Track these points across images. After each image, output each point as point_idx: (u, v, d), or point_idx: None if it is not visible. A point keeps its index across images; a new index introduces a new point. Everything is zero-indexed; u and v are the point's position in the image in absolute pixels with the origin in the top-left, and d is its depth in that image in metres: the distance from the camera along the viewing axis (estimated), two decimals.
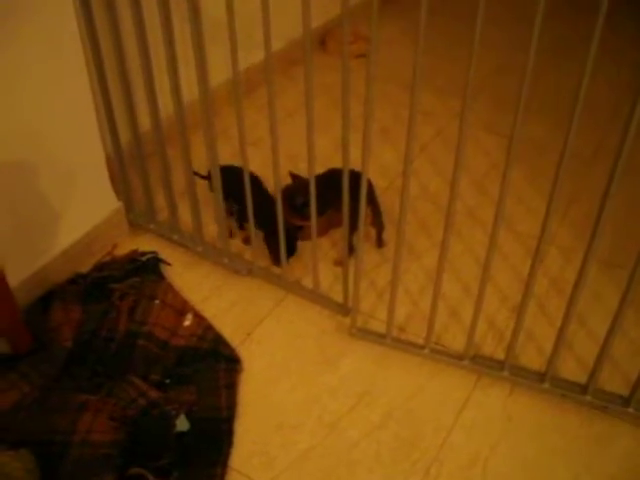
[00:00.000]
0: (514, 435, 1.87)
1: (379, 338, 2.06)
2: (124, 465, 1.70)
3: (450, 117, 2.99)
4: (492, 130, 2.90)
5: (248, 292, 2.24)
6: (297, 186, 2.18)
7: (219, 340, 2.04)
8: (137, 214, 2.44)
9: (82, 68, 2.06)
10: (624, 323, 2.05)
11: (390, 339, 2.05)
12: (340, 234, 2.04)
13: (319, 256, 2.22)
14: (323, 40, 3.56)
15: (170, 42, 1.93)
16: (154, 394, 1.84)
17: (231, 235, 2.35)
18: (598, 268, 2.31)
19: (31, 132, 1.98)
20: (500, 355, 2.00)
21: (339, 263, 2.28)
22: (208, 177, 2.28)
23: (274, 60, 1.95)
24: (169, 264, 2.29)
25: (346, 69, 1.66)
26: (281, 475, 1.76)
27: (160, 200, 2.38)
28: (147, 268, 2.23)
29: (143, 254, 2.28)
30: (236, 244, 2.34)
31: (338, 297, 2.18)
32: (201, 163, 2.11)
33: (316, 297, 2.18)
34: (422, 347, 2.03)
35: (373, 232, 2.39)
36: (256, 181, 2.27)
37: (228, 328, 2.10)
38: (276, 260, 2.24)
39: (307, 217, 2.03)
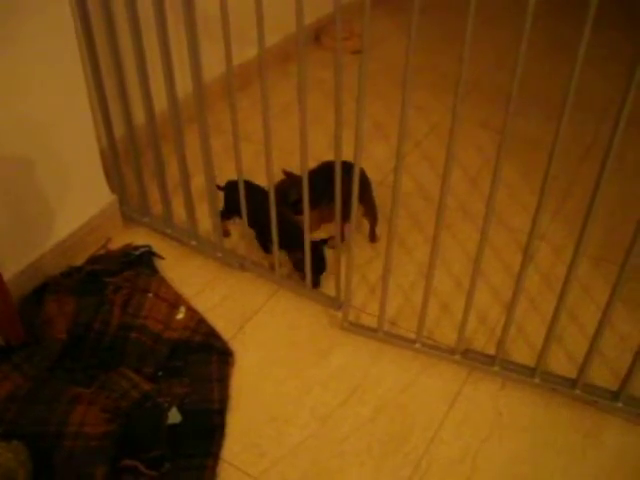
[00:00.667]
0: (504, 429, 1.88)
1: (371, 332, 2.07)
2: (116, 457, 1.71)
3: (445, 113, 2.99)
4: (487, 126, 2.91)
5: (241, 286, 2.25)
6: (291, 182, 2.19)
7: (211, 333, 2.05)
8: (131, 208, 2.44)
9: (77, 63, 2.07)
10: (615, 319, 2.08)
11: (382, 333, 2.06)
12: (333, 228, 2.05)
13: None
14: (318, 36, 3.57)
15: (164, 37, 1.94)
16: (146, 386, 1.85)
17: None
18: (589, 264, 2.33)
19: (26, 126, 1.98)
20: (491, 350, 2.01)
21: (331, 246, 2.30)
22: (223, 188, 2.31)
23: (269, 55, 1.96)
24: (162, 258, 2.30)
25: (339, 65, 1.67)
26: (273, 467, 1.77)
27: (154, 194, 2.38)
28: (141, 262, 2.24)
29: (137, 248, 2.29)
30: (228, 239, 2.34)
31: (330, 291, 2.19)
32: (197, 159, 2.11)
33: (308, 291, 2.19)
34: (413, 341, 2.04)
35: (366, 225, 2.41)
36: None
37: (221, 321, 2.11)
38: (314, 283, 2.21)
39: (301, 212, 2.04)
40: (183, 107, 2.11)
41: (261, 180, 2.15)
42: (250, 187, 2.15)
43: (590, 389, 1.93)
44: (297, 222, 2.14)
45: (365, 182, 2.31)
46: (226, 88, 1.91)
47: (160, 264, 2.29)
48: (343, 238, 2.07)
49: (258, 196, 2.14)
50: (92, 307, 2.07)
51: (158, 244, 2.34)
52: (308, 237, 2.04)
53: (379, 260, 2.02)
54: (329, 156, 1.90)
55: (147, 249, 2.29)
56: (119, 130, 2.31)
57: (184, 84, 2.03)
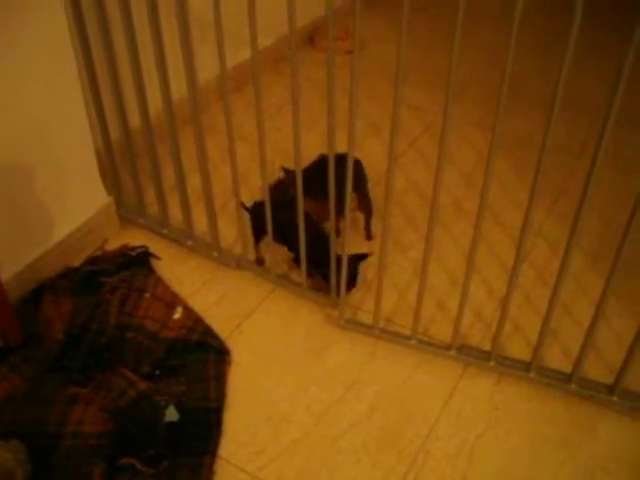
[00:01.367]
0: (500, 424, 1.89)
1: (367, 329, 2.08)
2: (114, 455, 1.72)
3: (440, 112, 2.94)
4: (481, 124, 2.92)
5: (237, 285, 2.26)
6: (289, 179, 2.20)
7: (208, 332, 2.06)
8: (127, 209, 2.45)
9: (73, 66, 2.08)
10: (610, 314, 2.08)
11: (377, 330, 2.07)
12: (329, 226, 2.06)
13: None
14: (312, 37, 3.59)
15: (158, 40, 1.95)
16: (144, 385, 1.86)
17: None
18: (585, 260, 2.34)
19: (22, 129, 1.99)
20: (487, 346, 2.02)
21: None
22: (249, 209, 2.30)
23: (263, 57, 1.97)
24: (159, 258, 2.31)
25: (330, 65, 1.68)
26: (270, 464, 1.78)
27: (150, 195, 2.39)
28: (137, 262, 2.25)
29: (133, 248, 2.30)
30: (224, 239, 2.35)
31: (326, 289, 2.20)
32: (193, 160, 2.12)
33: (304, 290, 2.20)
34: (409, 338, 2.05)
35: (362, 223, 2.42)
36: (307, 217, 2.12)
37: (217, 320, 2.12)
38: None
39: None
40: (179, 108, 2.12)
41: (257, 180, 2.16)
42: (277, 204, 2.14)
43: (585, 383, 1.94)
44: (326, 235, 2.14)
45: (361, 173, 2.33)
46: (221, 89, 1.92)
47: (157, 264, 2.30)
48: (338, 234, 2.08)
49: (287, 212, 2.11)
50: (89, 307, 2.08)
51: (154, 245, 2.35)
52: (334, 246, 2.04)
53: (375, 258, 2.03)
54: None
55: (144, 249, 2.30)
56: (115, 133, 2.31)
57: (179, 86, 2.03)
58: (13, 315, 1.96)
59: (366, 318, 2.13)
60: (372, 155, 2.50)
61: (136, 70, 2.07)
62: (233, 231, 2.31)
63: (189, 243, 2.34)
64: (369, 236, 2.42)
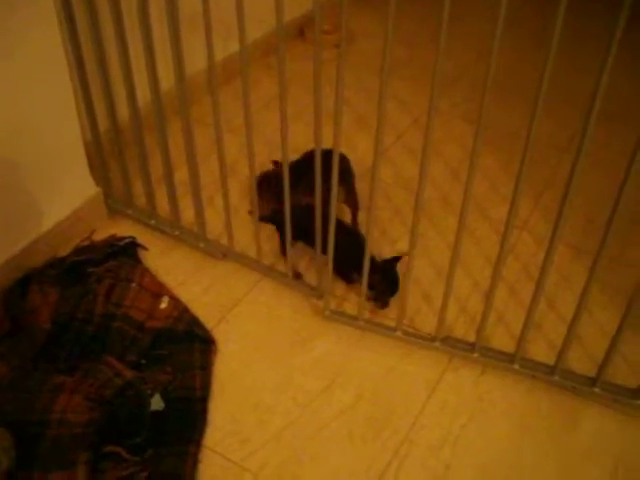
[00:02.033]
0: (484, 415, 1.91)
1: (352, 320, 2.09)
2: (100, 443, 1.73)
3: (427, 106, 3.01)
4: (470, 119, 2.93)
5: (224, 276, 2.27)
6: (278, 172, 2.21)
7: (194, 322, 2.07)
8: (115, 200, 2.45)
9: (61, 57, 2.08)
10: (593, 308, 2.10)
11: (362, 321, 2.08)
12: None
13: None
14: (302, 30, 3.59)
15: (147, 31, 1.95)
16: (129, 374, 1.87)
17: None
18: (570, 254, 2.36)
19: (10, 120, 1.99)
20: (472, 338, 2.03)
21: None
22: (270, 219, 2.30)
23: (253, 49, 1.97)
24: (146, 249, 2.31)
25: (317, 59, 1.68)
26: (254, 454, 1.79)
27: (138, 186, 2.39)
28: (124, 252, 2.25)
29: (121, 239, 2.30)
30: (211, 230, 2.36)
31: (312, 280, 2.21)
32: (182, 151, 2.12)
33: (290, 281, 2.21)
34: (394, 329, 2.06)
35: (348, 215, 2.43)
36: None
37: (204, 310, 2.13)
38: (383, 303, 2.19)
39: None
40: (168, 100, 2.12)
41: (245, 172, 2.16)
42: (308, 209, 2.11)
43: (568, 375, 1.95)
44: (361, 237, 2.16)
45: (347, 168, 2.34)
46: (210, 81, 1.92)
47: (144, 255, 2.30)
48: None
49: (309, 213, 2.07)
50: (76, 297, 2.08)
51: (142, 235, 2.35)
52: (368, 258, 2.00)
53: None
54: (312, 147, 1.91)
55: (131, 240, 2.30)
56: (103, 124, 2.31)
57: (168, 78, 2.04)
58: None
59: (351, 309, 2.14)
60: (359, 148, 2.51)
61: (125, 62, 2.07)
62: (220, 222, 2.31)
63: (176, 234, 2.35)
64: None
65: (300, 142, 2.21)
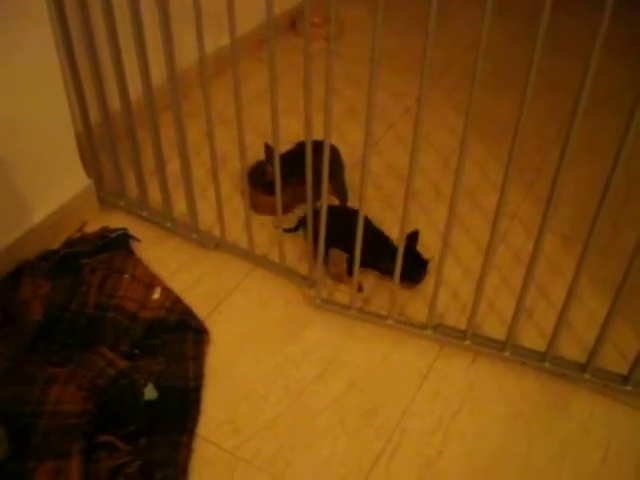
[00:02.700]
0: (476, 402, 1.92)
1: (343, 309, 2.10)
2: (93, 433, 1.73)
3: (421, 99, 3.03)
4: (461, 109, 2.93)
5: (216, 266, 2.27)
6: (267, 159, 2.22)
7: (187, 312, 2.07)
8: (107, 191, 2.46)
9: (52, 51, 2.08)
10: (584, 296, 2.12)
11: (354, 310, 2.09)
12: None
13: None
14: (294, 22, 3.60)
15: (138, 24, 1.95)
16: (122, 364, 1.87)
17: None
18: (560, 242, 2.37)
19: (1, 112, 1.99)
20: (463, 326, 2.04)
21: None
22: (296, 228, 2.32)
23: (245, 42, 1.96)
24: (139, 240, 2.32)
25: (307, 51, 1.69)
26: (247, 442, 1.80)
27: (130, 178, 2.40)
28: (117, 244, 2.26)
29: (113, 230, 2.30)
30: (203, 221, 2.37)
31: (304, 270, 2.22)
32: (174, 143, 2.12)
33: (282, 270, 2.22)
34: (385, 318, 2.07)
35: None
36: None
37: (196, 301, 2.14)
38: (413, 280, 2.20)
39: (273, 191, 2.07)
40: (160, 93, 2.12)
41: (237, 164, 2.16)
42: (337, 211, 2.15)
43: (559, 362, 1.97)
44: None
45: (337, 160, 2.35)
46: (202, 74, 1.93)
47: (136, 246, 2.31)
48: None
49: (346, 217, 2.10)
50: (68, 288, 2.08)
51: (134, 227, 2.36)
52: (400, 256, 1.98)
53: None
54: (303, 138, 1.92)
55: (123, 231, 2.30)
56: (95, 117, 2.32)
57: (160, 70, 2.04)
58: None
59: (343, 299, 2.15)
60: (351, 139, 2.52)
61: (116, 54, 2.08)
62: (212, 213, 2.32)
63: (168, 225, 2.35)
64: None
65: (292, 134, 2.22)
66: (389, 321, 2.06)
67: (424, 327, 2.04)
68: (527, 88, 1.51)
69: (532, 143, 2.71)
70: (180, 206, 2.34)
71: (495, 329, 2.08)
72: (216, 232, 2.32)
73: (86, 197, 2.38)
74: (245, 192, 2.16)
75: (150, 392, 1.84)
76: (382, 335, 2.07)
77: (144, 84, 2.07)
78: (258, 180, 2.35)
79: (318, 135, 1.82)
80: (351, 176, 2.40)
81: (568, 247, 2.36)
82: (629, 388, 1.91)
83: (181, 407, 1.85)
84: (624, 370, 1.92)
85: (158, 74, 2.07)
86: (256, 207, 2.40)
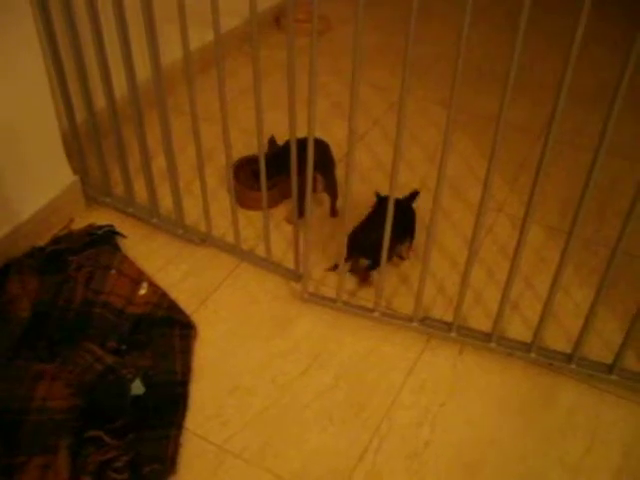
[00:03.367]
0: (462, 393, 1.93)
1: (330, 302, 2.11)
2: (81, 428, 1.74)
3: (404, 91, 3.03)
4: (446, 104, 2.94)
5: (203, 261, 2.28)
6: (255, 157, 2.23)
7: (174, 307, 2.08)
8: (93, 188, 2.46)
9: (36, 47, 2.08)
10: (570, 287, 2.13)
11: (340, 303, 2.09)
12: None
13: (272, 225, 2.27)
14: (278, 18, 3.60)
15: (122, 20, 1.96)
16: (110, 359, 1.87)
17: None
18: (546, 234, 2.39)
19: None
20: (450, 318, 2.05)
21: (289, 221, 2.39)
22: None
23: (230, 38, 1.96)
24: (125, 236, 2.32)
25: (291, 47, 1.70)
26: (235, 435, 1.81)
27: (116, 175, 2.41)
28: (103, 240, 2.26)
29: (99, 227, 2.31)
30: (189, 216, 2.37)
31: (290, 264, 2.23)
32: (159, 140, 2.13)
33: (269, 264, 2.23)
34: (372, 310, 2.08)
35: (327, 201, 2.45)
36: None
37: (183, 296, 2.14)
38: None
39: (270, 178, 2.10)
40: (145, 89, 2.12)
41: (222, 160, 2.16)
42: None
43: (545, 352, 1.98)
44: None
45: (328, 157, 2.36)
46: (186, 70, 1.94)
47: (123, 242, 2.31)
48: (301, 214, 2.10)
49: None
50: (55, 285, 2.09)
51: (120, 223, 2.36)
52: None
53: (340, 235, 2.05)
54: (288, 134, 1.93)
55: (109, 228, 2.30)
56: (81, 114, 2.32)
57: (145, 67, 2.04)
58: None
59: (330, 292, 2.15)
60: (337, 134, 2.52)
61: (100, 51, 2.08)
62: (198, 209, 2.32)
63: (154, 221, 2.36)
64: (334, 213, 2.45)
65: (277, 129, 2.22)
66: (376, 314, 2.07)
67: (411, 319, 2.05)
68: (507, 81, 1.53)
69: (518, 138, 2.73)
70: (166, 202, 2.34)
71: (481, 321, 2.09)
72: (202, 227, 2.32)
73: (72, 194, 2.38)
74: (231, 187, 2.16)
75: (138, 387, 1.84)
76: (369, 328, 2.08)
77: (129, 81, 2.07)
78: (250, 171, 2.36)
79: (304, 130, 1.82)
80: (337, 170, 2.41)
81: (554, 239, 2.38)
82: (614, 377, 1.93)
83: (169, 401, 1.85)
84: (609, 360, 1.94)
85: (143, 71, 2.08)
86: (242, 202, 2.41)
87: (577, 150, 2.47)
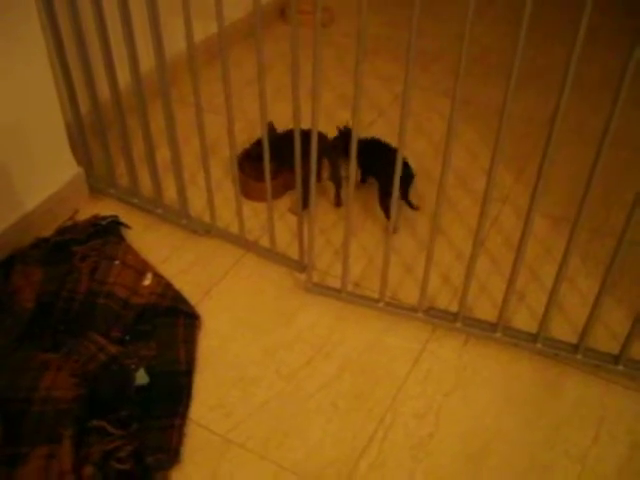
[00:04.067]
0: (467, 384, 1.92)
1: (335, 292, 2.10)
2: (85, 418, 1.74)
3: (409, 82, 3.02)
4: (451, 95, 2.94)
5: (207, 252, 2.28)
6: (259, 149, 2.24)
7: (178, 298, 2.07)
8: (98, 179, 2.46)
9: (40, 39, 2.08)
10: (576, 277, 2.13)
11: (345, 293, 2.09)
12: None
13: (276, 216, 2.27)
14: (283, 10, 3.59)
15: (126, 12, 1.95)
16: (114, 349, 1.88)
17: None
18: (551, 225, 2.38)
19: None
20: (455, 308, 2.04)
21: (294, 212, 2.38)
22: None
23: (235, 29, 1.95)
24: (129, 227, 2.32)
25: (294, 38, 1.70)
26: (239, 426, 1.80)
27: (120, 166, 2.41)
28: (108, 231, 2.26)
29: (104, 218, 2.30)
30: (194, 207, 2.37)
31: (295, 255, 2.22)
32: (164, 131, 2.12)
33: (273, 255, 2.22)
34: (377, 301, 2.07)
35: (332, 190, 2.45)
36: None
37: (188, 286, 2.14)
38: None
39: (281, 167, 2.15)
40: (150, 80, 2.12)
41: (227, 151, 2.16)
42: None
43: (551, 343, 1.97)
44: None
45: (327, 144, 2.36)
46: (191, 61, 1.93)
47: (127, 233, 2.31)
48: (305, 205, 2.09)
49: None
50: (60, 276, 2.09)
51: (125, 214, 2.36)
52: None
53: (344, 224, 2.05)
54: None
55: (114, 219, 2.30)
56: (85, 105, 2.32)
57: (149, 58, 2.03)
58: None
59: (334, 282, 2.14)
60: (342, 125, 2.52)
61: (104, 42, 2.07)
62: (202, 200, 2.32)
63: (159, 211, 2.35)
64: (338, 203, 2.44)
65: (281, 121, 2.22)
66: (380, 304, 2.07)
67: (416, 310, 2.04)
68: (512, 72, 1.52)
69: (524, 129, 2.71)
70: (170, 192, 2.34)
71: (487, 311, 2.08)
72: (207, 218, 2.32)
73: (77, 185, 2.38)
74: (235, 178, 2.16)
75: (141, 377, 1.84)
76: (374, 318, 2.08)
77: (133, 71, 2.06)
78: (250, 167, 2.35)
79: (308, 122, 1.82)
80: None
81: (559, 229, 2.36)
82: (620, 368, 1.92)
83: (173, 391, 1.85)
84: (615, 350, 1.93)
85: (147, 62, 2.07)
86: (246, 193, 2.41)
87: (583, 141, 2.46)
